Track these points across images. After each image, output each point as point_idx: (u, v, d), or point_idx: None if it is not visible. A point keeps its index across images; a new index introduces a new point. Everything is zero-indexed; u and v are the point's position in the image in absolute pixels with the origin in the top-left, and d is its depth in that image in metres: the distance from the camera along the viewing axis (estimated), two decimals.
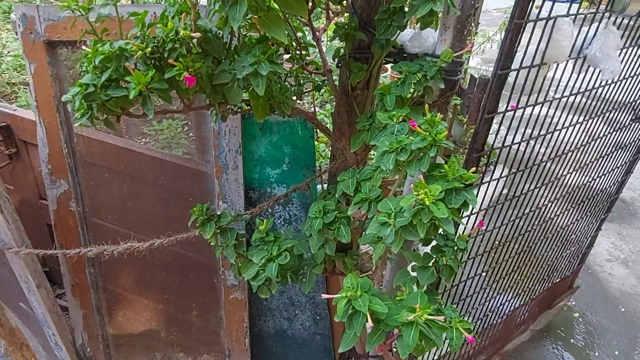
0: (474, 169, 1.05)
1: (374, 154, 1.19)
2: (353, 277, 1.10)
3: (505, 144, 1.52)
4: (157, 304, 2.33)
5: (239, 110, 1.68)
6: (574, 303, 3.22)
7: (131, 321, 2.40)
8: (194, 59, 1.16)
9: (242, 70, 1.17)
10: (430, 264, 1.38)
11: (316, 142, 3.22)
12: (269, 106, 1.35)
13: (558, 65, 1.45)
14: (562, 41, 1.27)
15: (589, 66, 1.50)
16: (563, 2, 1.69)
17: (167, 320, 2.37)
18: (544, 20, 1.23)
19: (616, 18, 1.41)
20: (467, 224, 1.55)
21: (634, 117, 2.09)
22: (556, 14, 1.23)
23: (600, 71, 1.42)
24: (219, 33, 1.27)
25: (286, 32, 1.19)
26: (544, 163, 1.76)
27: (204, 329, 2.36)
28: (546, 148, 1.82)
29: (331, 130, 1.63)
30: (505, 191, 1.85)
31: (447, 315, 1.22)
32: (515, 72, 1.28)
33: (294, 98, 1.45)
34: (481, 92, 1.26)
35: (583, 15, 1.33)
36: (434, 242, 1.41)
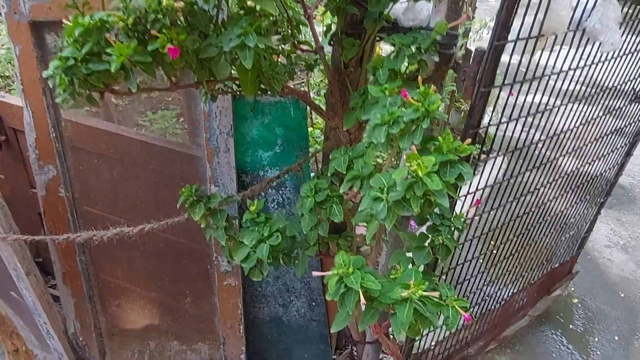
0: (469, 140, 1.01)
1: None
2: (345, 254, 1.06)
3: (500, 128, 1.48)
4: (150, 291, 2.30)
5: (229, 90, 1.63)
6: (573, 289, 3.20)
7: (124, 309, 2.36)
8: (178, 31, 1.12)
9: (229, 42, 1.13)
10: (426, 244, 1.35)
11: (311, 128, 3.18)
12: (258, 82, 1.31)
13: (552, 48, 1.41)
14: (560, 11, 1.23)
15: (586, 44, 1.46)
16: None
17: (161, 308, 2.34)
18: None
19: None
20: (463, 204, 1.52)
21: (634, 97, 2.05)
22: None
23: (599, 44, 1.38)
24: (206, 6, 1.22)
25: (275, 4, 1.14)
26: (541, 145, 1.72)
27: (198, 317, 2.33)
28: (541, 133, 1.78)
29: (324, 110, 1.59)
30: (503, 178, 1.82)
31: (443, 293, 1.19)
32: (512, 43, 1.23)
33: (286, 77, 1.40)
34: (477, 65, 1.22)
35: None
36: (430, 223, 1.38)
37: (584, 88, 1.80)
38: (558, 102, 1.68)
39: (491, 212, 1.77)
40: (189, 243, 2.15)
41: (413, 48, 1.22)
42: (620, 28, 1.42)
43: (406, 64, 1.35)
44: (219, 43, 1.17)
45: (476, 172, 4.07)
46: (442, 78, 1.40)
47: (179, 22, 1.13)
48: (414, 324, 1.06)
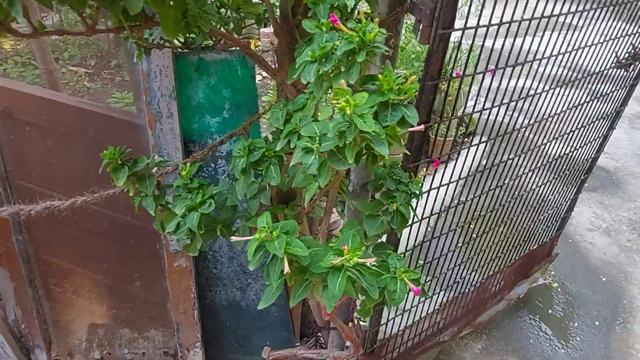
0: (414, 77, 0.84)
1: None
2: (269, 215, 0.89)
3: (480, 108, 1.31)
4: (96, 274, 2.11)
5: (164, 43, 1.45)
6: (553, 273, 3.07)
7: (69, 294, 2.18)
8: None
9: None
10: (380, 213, 1.19)
11: (270, 96, 2.98)
12: (183, 22, 1.13)
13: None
14: None
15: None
16: None
17: (109, 293, 2.16)
18: None
19: None
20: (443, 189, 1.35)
21: (615, 63, 1.90)
22: None
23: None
24: None
25: None
26: (517, 122, 1.57)
27: (149, 302, 2.15)
28: (519, 112, 1.62)
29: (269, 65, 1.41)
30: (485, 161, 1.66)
31: (392, 263, 1.03)
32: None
33: (217, 18, 1.22)
34: (433, 1, 1.05)
35: None
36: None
37: (568, 72, 1.66)
38: (537, 84, 1.53)
39: (458, 183, 1.61)
40: (136, 221, 1.97)
41: None
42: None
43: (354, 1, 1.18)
44: None
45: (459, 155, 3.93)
46: (397, 22, 1.23)
47: None
48: (351, 293, 0.89)
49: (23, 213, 1.59)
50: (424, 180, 1.28)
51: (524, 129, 1.65)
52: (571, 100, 1.80)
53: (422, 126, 0.91)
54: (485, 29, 1.22)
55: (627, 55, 1.90)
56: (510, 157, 1.73)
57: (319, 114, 0.90)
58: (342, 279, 0.84)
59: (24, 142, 1.87)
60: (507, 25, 1.24)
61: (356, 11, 1.18)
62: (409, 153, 1.22)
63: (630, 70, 1.96)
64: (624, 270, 3.11)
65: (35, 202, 1.64)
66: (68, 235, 2.04)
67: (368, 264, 0.85)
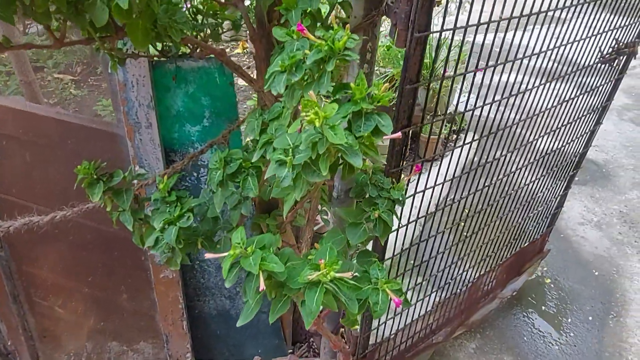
0: (386, 85, 0.82)
1: None
2: (244, 231, 0.87)
3: (469, 104, 1.29)
4: (82, 287, 2.08)
5: (139, 52, 1.42)
6: (545, 269, 3.06)
7: (55, 308, 2.14)
8: None
9: None
10: (363, 220, 1.16)
11: (251, 101, 2.94)
12: (153, 33, 1.10)
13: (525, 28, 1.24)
14: None
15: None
16: None
17: (95, 306, 2.12)
18: None
19: None
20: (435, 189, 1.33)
21: (600, 58, 1.89)
22: None
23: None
24: None
25: None
26: (507, 119, 1.55)
27: (136, 313, 2.12)
28: (508, 108, 1.60)
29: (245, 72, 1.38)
30: (475, 158, 1.65)
31: (373, 274, 1.00)
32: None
33: (188, 27, 1.19)
34: (408, 4, 1.03)
35: None
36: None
37: (554, 65, 1.65)
38: (526, 79, 1.52)
39: (446, 183, 1.59)
40: (119, 232, 1.93)
41: None
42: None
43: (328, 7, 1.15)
44: None
45: (447, 153, 3.91)
46: (374, 25, 1.20)
47: None
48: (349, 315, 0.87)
49: (1, 230, 1.56)
50: (408, 184, 1.26)
51: (514, 126, 1.64)
52: (559, 94, 1.79)
53: (399, 134, 0.88)
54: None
55: (611, 50, 1.89)
56: (502, 153, 1.72)
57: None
58: (319, 294, 0.82)
59: (1, 154, 1.83)
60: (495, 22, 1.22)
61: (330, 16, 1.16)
62: (384, 164, 1.19)
63: (614, 65, 1.95)
64: (616, 263, 3.11)
65: (14, 218, 1.61)
66: (51, 248, 2.00)
67: (346, 277, 0.82)
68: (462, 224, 1.89)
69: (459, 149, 1.51)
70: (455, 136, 4.25)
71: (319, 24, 1.08)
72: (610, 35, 1.82)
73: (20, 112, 1.77)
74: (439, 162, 3.64)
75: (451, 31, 1.15)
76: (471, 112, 1.39)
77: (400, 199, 1.18)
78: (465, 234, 1.96)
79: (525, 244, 2.55)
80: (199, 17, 1.45)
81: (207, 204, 1.34)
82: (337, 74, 0.83)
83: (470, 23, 1.17)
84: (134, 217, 1.27)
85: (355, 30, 1.17)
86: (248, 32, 1.37)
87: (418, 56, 1.13)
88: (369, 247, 1.43)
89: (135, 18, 1.03)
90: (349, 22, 1.19)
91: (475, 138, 1.50)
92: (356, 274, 0.95)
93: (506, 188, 2.00)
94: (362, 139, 0.81)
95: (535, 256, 2.75)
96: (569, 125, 2.03)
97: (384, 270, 1.01)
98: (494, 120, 1.57)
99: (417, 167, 1.17)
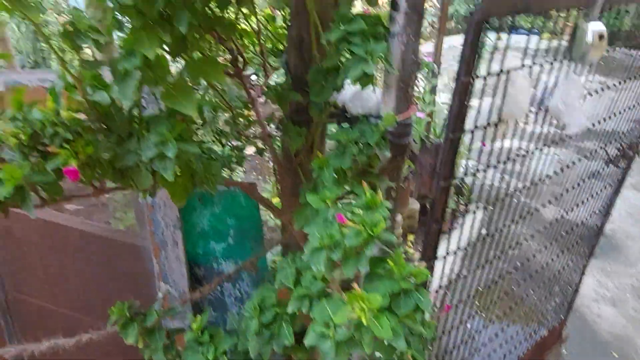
0: (424, 264, 0.86)
1: None
2: None
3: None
4: None
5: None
6: (565, 352, 3.00)
7: None
8: (87, 142, 0.97)
9: (147, 151, 0.98)
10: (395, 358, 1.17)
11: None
12: (192, 185, 1.15)
13: None
14: (517, 95, 1.12)
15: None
16: (521, 34, 1.57)
17: None
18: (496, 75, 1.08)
19: (576, 65, 1.27)
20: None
21: (607, 160, 1.96)
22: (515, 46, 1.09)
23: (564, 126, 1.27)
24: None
25: (197, 103, 1.00)
26: (519, 193, 1.57)
27: None
28: (521, 180, 1.64)
29: (274, 205, 1.43)
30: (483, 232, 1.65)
31: None
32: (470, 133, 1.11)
33: (222, 173, 1.25)
34: (433, 159, 1.09)
35: (539, 66, 1.18)
36: None
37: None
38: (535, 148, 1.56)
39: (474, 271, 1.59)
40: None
41: (360, 144, 1.09)
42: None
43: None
44: (139, 149, 1.01)
45: (457, 225, 3.93)
46: (398, 169, 1.26)
47: (84, 130, 0.98)
48: None
49: (26, 353, 1.56)
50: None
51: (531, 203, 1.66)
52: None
53: (449, 307, 0.91)
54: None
55: (617, 153, 1.96)
56: (510, 226, 1.73)
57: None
58: None
59: (23, 260, 1.86)
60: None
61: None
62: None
63: (619, 166, 2.02)
64: (634, 343, 3.06)
65: (39, 341, 1.62)
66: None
67: None
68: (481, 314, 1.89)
69: (466, 222, 1.52)
70: (465, 207, 4.29)
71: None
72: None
73: (46, 221, 1.82)
74: (455, 233, 3.64)
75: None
76: (478, 181, 1.43)
77: (432, 336, 1.19)
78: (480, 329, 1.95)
79: (545, 334, 2.52)
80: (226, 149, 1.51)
81: (237, 335, 1.35)
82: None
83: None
84: (166, 356, 1.27)
85: (381, 173, 1.23)
86: (273, 164, 1.43)
87: (443, 200, 1.18)
88: None
89: (175, 181, 1.09)
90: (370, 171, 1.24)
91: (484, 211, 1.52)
92: None
93: (524, 269, 1.99)
94: (403, 317, 0.84)
95: (554, 344, 2.71)
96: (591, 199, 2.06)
97: None
98: (506, 193, 1.60)
99: (447, 308, 1.19)
